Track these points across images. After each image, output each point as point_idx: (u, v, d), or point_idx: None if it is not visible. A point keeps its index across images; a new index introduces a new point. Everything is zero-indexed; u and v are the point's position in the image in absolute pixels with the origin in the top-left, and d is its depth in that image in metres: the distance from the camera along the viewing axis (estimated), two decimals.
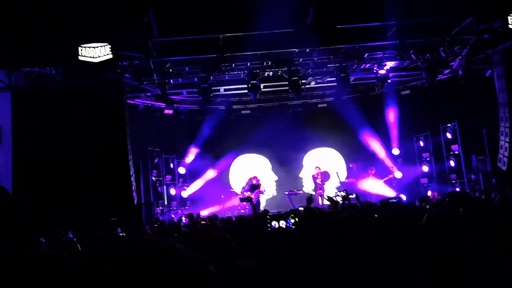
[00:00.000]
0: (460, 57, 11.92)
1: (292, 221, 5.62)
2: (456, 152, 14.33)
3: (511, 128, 10.62)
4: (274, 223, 5.61)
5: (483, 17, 10.80)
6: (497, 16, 10.59)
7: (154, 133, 14.29)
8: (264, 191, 14.79)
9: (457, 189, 13.75)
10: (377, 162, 15.17)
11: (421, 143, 15.58)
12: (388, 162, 15.12)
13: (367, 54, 11.84)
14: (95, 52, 9.81)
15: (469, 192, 11.93)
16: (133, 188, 10.59)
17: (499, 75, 11.27)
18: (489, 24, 10.87)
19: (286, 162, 15.94)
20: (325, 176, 14.80)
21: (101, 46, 9.85)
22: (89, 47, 9.82)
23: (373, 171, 14.66)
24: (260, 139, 15.06)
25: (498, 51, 11.15)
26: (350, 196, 7.88)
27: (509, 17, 10.37)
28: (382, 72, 12.59)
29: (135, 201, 10.71)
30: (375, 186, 14.46)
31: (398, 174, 14.81)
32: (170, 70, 11.53)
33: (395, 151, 15.37)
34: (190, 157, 15.36)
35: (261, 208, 13.95)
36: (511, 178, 10.62)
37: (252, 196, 14.12)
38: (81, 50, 9.78)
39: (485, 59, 11.97)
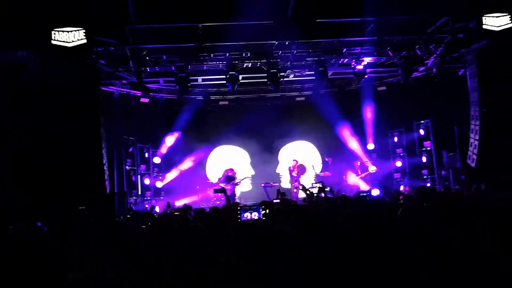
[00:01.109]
0: (435, 55, 12.13)
1: (263, 212, 5.61)
2: (428, 149, 14.66)
3: (481, 126, 10.89)
4: (246, 214, 5.58)
5: (459, 16, 11.03)
6: (472, 16, 10.82)
7: (129, 122, 14.06)
8: (240, 182, 14.79)
9: (428, 184, 14.10)
10: (353, 156, 15.40)
11: (395, 139, 15.87)
12: (363, 157, 15.35)
13: (345, 49, 11.90)
14: (69, 37, 9.55)
15: (435, 187, 12.28)
16: (106, 177, 10.42)
17: (471, 74, 11.53)
18: (464, 24, 11.11)
19: (264, 154, 15.94)
20: (301, 169, 14.93)
21: (76, 31, 9.59)
22: (63, 31, 9.55)
23: (358, 163, 14.96)
24: (238, 130, 15.05)
25: (471, 51, 11.38)
26: (318, 186, 7.98)
27: (483, 18, 10.60)
28: (359, 67, 12.71)
29: (108, 191, 10.54)
30: (353, 180, 14.75)
31: (372, 169, 15.07)
32: (147, 58, 11.33)
33: (370, 146, 15.61)
34: (168, 142, 15.17)
35: (236, 200, 13.97)
36: (480, 175, 10.93)
37: (228, 188, 14.11)
38: (55, 34, 9.51)
39: (459, 58, 12.21)
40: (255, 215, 5.55)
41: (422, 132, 14.93)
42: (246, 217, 5.54)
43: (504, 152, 10.56)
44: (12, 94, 9.72)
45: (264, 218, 5.50)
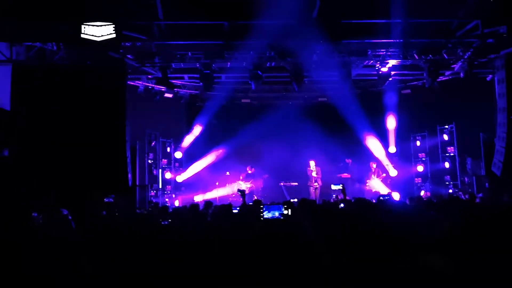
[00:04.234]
0: (462, 59, 11.93)
1: (285, 212, 5.64)
2: (452, 154, 14.44)
3: (508, 133, 10.65)
4: (269, 213, 5.61)
5: (488, 21, 10.80)
6: (502, 21, 10.59)
7: (152, 116, 14.27)
8: (263, 179, 14.95)
9: (450, 191, 13.89)
10: (374, 159, 15.27)
11: (418, 143, 15.68)
12: (384, 160, 15.20)
13: (370, 50, 11.82)
14: (98, 31, 9.75)
15: (458, 194, 12.08)
16: (129, 170, 10.61)
17: (500, 80, 11.28)
18: (494, 29, 10.88)
19: (283, 153, 15.94)
20: (320, 170, 14.91)
21: (105, 26, 9.79)
22: (93, 26, 9.76)
23: (375, 165, 14.89)
24: (259, 128, 15.07)
25: (500, 56, 11.15)
26: (338, 188, 7.96)
27: None
28: (384, 69, 12.57)
29: (130, 183, 10.73)
30: (376, 184, 14.68)
31: (393, 172, 14.92)
32: (173, 54, 11.46)
33: (392, 149, 15.44)
34: (190, 138, 15.32)
35: (254, 197, 14.03)
36: (505, 183, 10.70)
37: (248, 185, 14.26)
38: (84, 28, 9.72)
39: (487, 63, 11.98)
40: (277, 214, 5.57)
41: (445, 137, 14.72)
42: (273, 216, 5.57)
43: None
44: (40, 86, 9.99)
45: (285, 218, 5.52)
